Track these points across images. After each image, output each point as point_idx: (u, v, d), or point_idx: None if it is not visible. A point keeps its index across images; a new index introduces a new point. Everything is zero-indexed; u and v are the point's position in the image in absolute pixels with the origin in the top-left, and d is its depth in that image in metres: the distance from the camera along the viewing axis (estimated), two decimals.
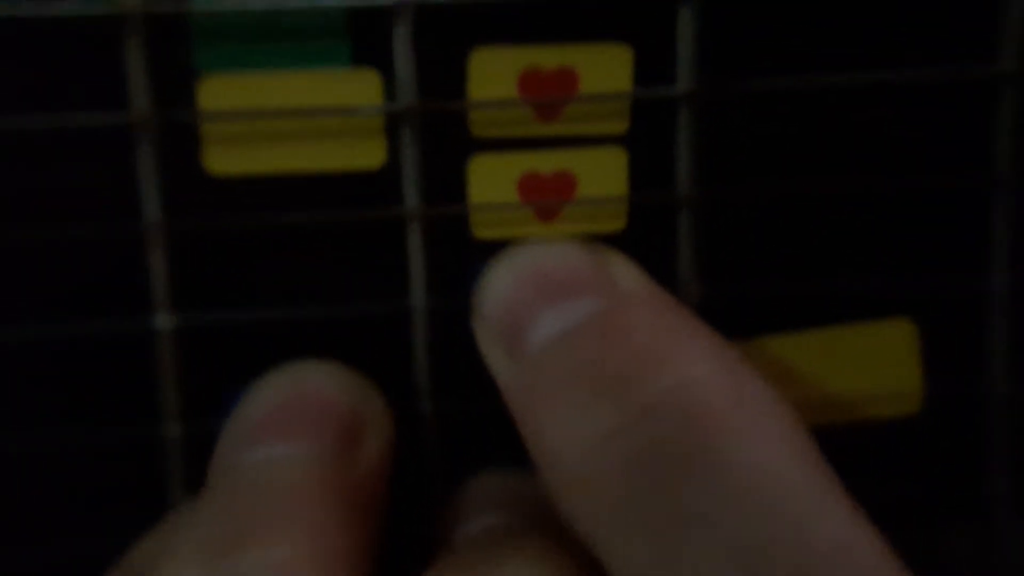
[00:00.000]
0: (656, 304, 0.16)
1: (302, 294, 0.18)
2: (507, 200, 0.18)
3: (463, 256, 0.18)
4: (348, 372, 0.18)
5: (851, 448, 0.19)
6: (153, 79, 0.17)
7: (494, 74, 0.17)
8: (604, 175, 0.18)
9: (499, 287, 0.17)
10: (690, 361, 0.15)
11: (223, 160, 0.17)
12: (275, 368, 0.18)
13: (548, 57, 0.17)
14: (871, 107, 0.18)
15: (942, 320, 0.19)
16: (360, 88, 0.17)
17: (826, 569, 0.13)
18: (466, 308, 0.18)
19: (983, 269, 0.19)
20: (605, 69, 0.17)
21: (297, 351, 0.18)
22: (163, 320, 0.18)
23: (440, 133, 0.18)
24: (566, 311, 0.16)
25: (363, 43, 0.17)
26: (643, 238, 0.18)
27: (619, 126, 0.18)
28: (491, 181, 0.18)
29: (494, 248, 0.18)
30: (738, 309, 0.19)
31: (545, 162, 0.18)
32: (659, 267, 0.18)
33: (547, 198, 0.18)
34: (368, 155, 0.18)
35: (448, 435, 0.19)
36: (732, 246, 0.19)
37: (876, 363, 0.19)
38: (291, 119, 0.17)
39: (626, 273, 0.17)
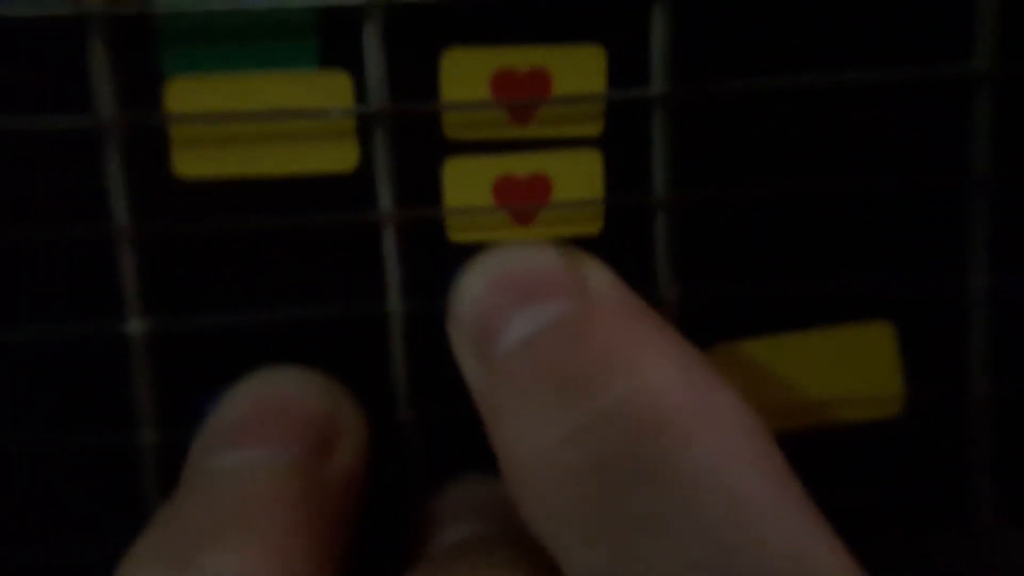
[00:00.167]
0: (622, 309, 0.16)
1: (276, 299, 0.18)
2: (482, 203, 0.18)
3: (439, 260, 0.18)
4: (323, 378, 0.18)
5: (833, 452, 0.19)
6: (119, 82, 0.17)
7: (466, 75, 0.17)
8: (580, 178, 0.18)
9: (471, 290, 0.17)
10: (648, 366, 0.15)
11: (192, 163, 0.17)
12: (249, 373, 0.18)
13: (521, 58, 0.17)
14: (847, 107, 0.18)
15: (921, 322, 0.19)
16: (330, 90, 0.17)
17: (784, 574, 0.13)
18: (443, 312, 0.18)
19: (962, 270, 0.19)
20: (578, 70, 0.17)
21: (272, 356, 0.18)
22: (135, 325, 0.18)
23: (413, 135, 0.17)
24: (534, 314, 0.16)
25: (332, 44, 0.17)
26: (620, 241, 0.18)
27: (594, 128, 0.18)
28: (466, 184, 0.18)
29: (470, 252, 0.18)
30: (716, 312, 0.19)
31: (520, 165, 0.18)
32: (636, 270, 0.18)
33: (522, 201, 0.18)
34: (340, 158, 0.18)
35: (426, 440, 0.19)
36: (710, 248, 0.18)
37: (856, 366, 0.19)
38: (260, 121, 0.17)
39: (598, 276, 0.17)
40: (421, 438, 0.19)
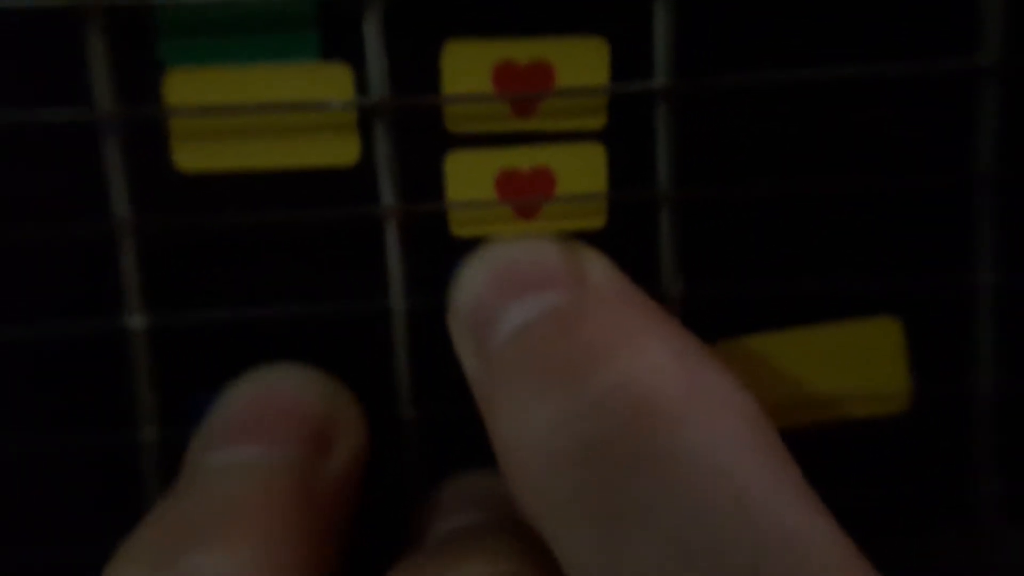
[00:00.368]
0: (618, 297, 0.16)
1: (277, 293, 0.18)
2: (485, 197, 0.18)
3: (441, 254, 0.18)
4: (322, 376, 0.18)
5: (838, 449, 0.19)
6: (117, 74, 0.17)
7: (468, 68, 0.17)
8: (583, 172, 0.18)
9: (470, 283, 0.17)
10: (641, 352, 0.15)
11: (192, 157, 0.17)
12: (249, 370, 0.18)
13: (523, 50, 0.17)
14: (852, 102, 0.18)
15: (928, 318, 0.19)
16: (331, 82, 0.17)
17: (777, 560, 0.13)
18: (445, 308, 0.18)
19: (968, 266, 0.19)
20: (581, 63, 0.17)
21: (274, 352, 0.18)
22: (136, 320, 0.17)
23: (415, 128, 0.17)
24: (529, 304, 0.16)
25: (333, 36, 0.17)
26: (623, 235, 0.18)
27: (597, 121, 0.18)
28: (468, 178, 0.18)
29: (473, 246, 0.18)
30: (721, 307, 0.19)
31: (523, 158, 0.18)
32: (640, 264, 0.18)
33: (525, 195, 0.18)
34: (342, 151, 0.17)
35: (428, 438, 0.19)
36: (714, 243, 0.18)
37: (861, 362, 0.19)
38: (261, 114, 0.17)
39: (597, 268, 0.17)
40: (423, 436, 0.19)
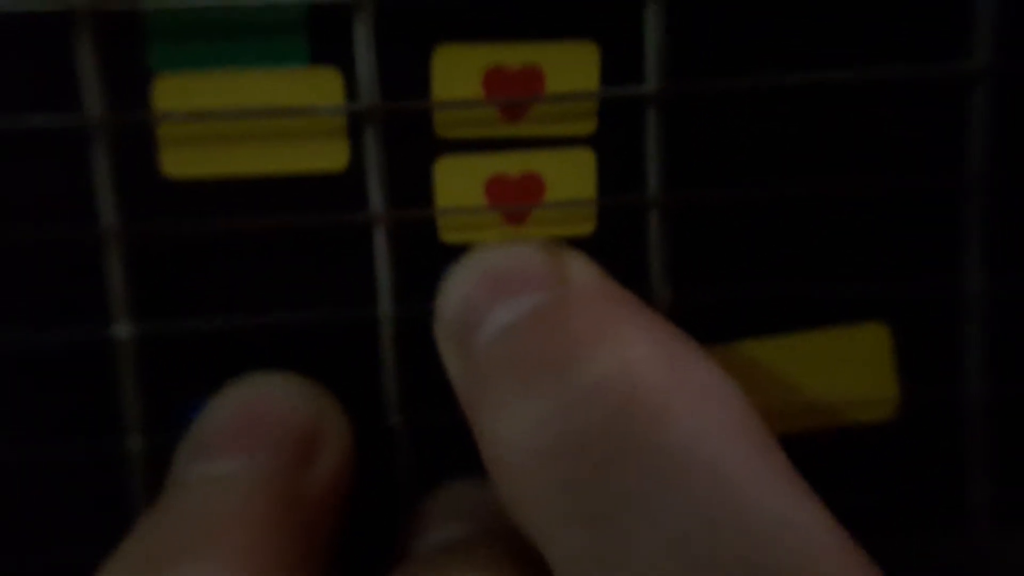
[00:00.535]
0: (599, 294, 0.16)
1: (266, 300, 0.18)
2: (475, 203, 0.18)
3: (431, 261, 0.18)
4: (307, 384, 0.18)
5: (828, 456, 0.19)
6: (106, 79, 0.17)
7: (458, 72, 0.17)
8: (573, 177, 0.18)
9: (454, 288, 0.17)
10: (626, 346, 0.15)
11: (181, 163, 0.17)
12: (235, 378, 0.18)
13: (513, 55, 0.17)
14: (842, 107, 0.18)
15: (916, 323, 0.19)
16: (320, 87, 0.17)
17: (770, 548, 0.13)
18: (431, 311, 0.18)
19: (957, 271, 0.19)
20: (571, 68, 0.17)
21: (262, 360, 0.18)
22: (122, 329, 0.17)
23: (404, 134, 0.17)
24: (512, 305, 0.16)
25: (322, 40, 0.17)
26: (613, 241, 0.18)
27: (587, 127, 0.18)
28: (458, 183, 0.18)
29: (463, 252, 0.18)
30: (709, 313, 0.18)
31: (512, 164, 0.18)
32: (630, 270, 0.18)
33: (515, 201, 0.18)
34: (331, 157, 0.17)
35: (417, 445, 0.19)
36: (703, 249, 0.18)
37: (850, 367, 0.19)
38: (250, 119, 0.17)
39: (581, 270, 0.17)
40: (412, 444, 0.19)
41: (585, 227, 0.18)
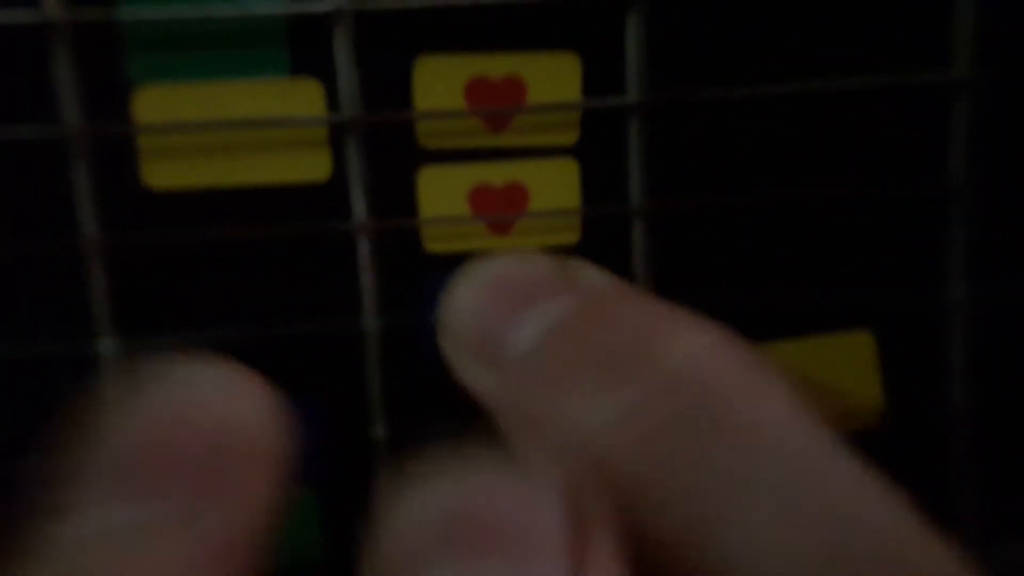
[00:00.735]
0: (625, 294, 0.16)
1: (249, 311, 0.18)
2: (458, 213, 0.18)
3: (415, 270, 0.18)
4: (222, 382, 0.14)
5: None
6: (85, 91, 0.17)
7: (440, 83, 0.17)
8: (556, 187, 0.18)
9: (466, 301, 0.17)
10: (692, 333, 0.15)
11: (162, 174, 0.17)
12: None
13: (495, 65, 0.17)
14: (825, 115, 0.18)
15: (901, 332, 0.19)
16: (301, 98, 0.17)
17: (862, 505, 0.14)
18: (417, 323, 0.18)
19: (941, 280, 0.19)
20: (553, 78, 0.17)
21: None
22: (105, 344, 0.17)
23: (387, 144, 0.17)
24: (545, 310, 0.16)
25: (302, 51, 0.17)
26: (597, 250, 0.18)
27: (569, 137, 0.18)
28: (441, 193, 0.18)
29: (446, 262, 0.18)
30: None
31: (496, 174, 0.18)
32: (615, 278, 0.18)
33: (499, 211, 0.18)
34: (313, 167, 0.17)
35: (400, 459, 0.19)
36: (688, 257, 0.18)
37: (835, 376, 0.19)
38: (231, 131, 0.17)
39: (592, 275, 0.17)
40: (396, 456, 0.18)
41: (570, 236, 0.18)
